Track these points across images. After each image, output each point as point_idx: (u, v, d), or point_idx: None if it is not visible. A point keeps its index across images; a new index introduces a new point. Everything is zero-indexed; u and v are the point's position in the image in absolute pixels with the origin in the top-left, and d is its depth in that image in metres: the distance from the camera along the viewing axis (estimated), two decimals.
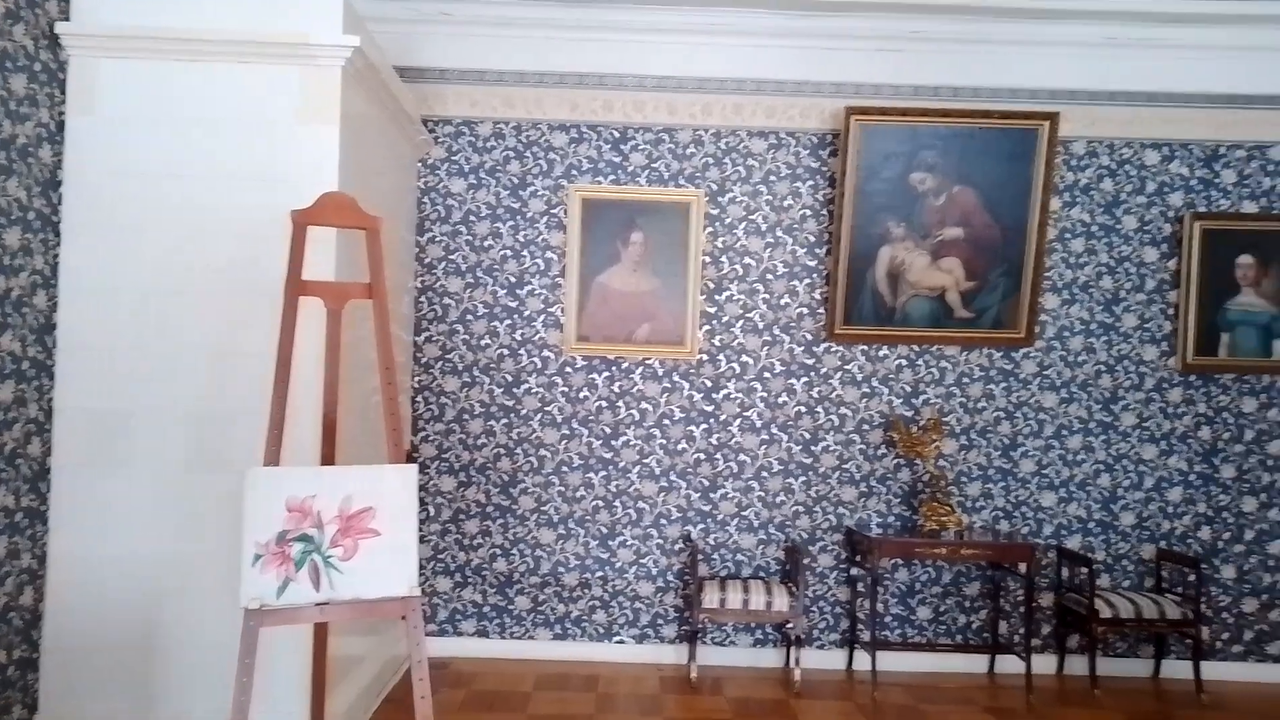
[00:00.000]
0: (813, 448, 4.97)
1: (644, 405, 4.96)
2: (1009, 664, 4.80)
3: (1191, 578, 4.66)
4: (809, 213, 5.00)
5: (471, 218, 4.98)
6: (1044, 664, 4.89)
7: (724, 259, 5.00)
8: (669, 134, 4.98)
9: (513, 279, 4.97)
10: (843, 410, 4.99)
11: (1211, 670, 4.81)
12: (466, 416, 4.93)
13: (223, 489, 3.32)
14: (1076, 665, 4.82)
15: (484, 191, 4.98)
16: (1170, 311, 5.00)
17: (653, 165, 4.98)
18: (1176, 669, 4.82)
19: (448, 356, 4.95)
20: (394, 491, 2.77)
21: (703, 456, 4.96)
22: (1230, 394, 4.99)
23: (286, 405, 2.79)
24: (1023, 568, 4.59)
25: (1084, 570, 4.62)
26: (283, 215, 2.95)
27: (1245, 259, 4.94)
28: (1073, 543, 4.95)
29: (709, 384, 4.97)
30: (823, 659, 4.89)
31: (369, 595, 2.70)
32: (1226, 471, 4.97)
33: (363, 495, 2.73)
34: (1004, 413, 5.00)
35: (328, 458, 2.96)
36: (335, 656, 3.31)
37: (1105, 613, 4.54)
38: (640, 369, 4.97)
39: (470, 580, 4.92)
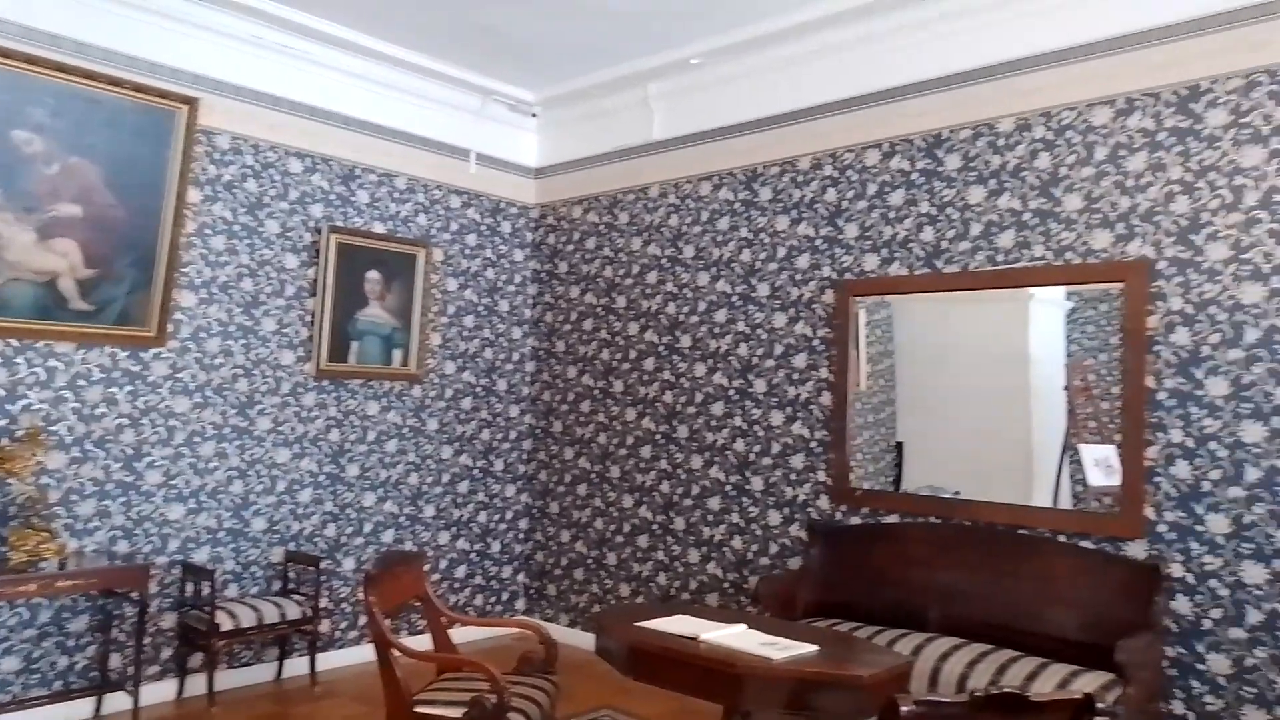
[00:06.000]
0: None
1: None
2: (124, 700, 4.28)
3: (314, 575, 4.85)
4: None
5: None
6: (166, 691, 4.51)
7: None
8: None
9: None
10: None
11: (331, 660, 5.09)
12: None
13: None
14: (201, 685, 4.55)
15: None
16: (308, 318, 5.15)
17: None
18: (300, 666, 4.94)
19: None
20: None
21: None
22: (358, 398, 5.38)
23: None
24: (137, 593, 4.13)
25: (208, 584, 4.40)
26: None
27: (374, 274, 5.40)
28: (201, 555, 4.69)
29: None
30: None
31: None
32: (352, 470, 5.35)
33: None
34: (129, 420, 4.47)
35: None
36: None
37: (227, 625, 4.39)
38: None
39: None
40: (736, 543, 5.03)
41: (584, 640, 5.51)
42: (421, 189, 5.70)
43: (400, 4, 4.71)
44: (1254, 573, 3.44)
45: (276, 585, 4.97)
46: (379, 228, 5.48)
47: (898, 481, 4.62)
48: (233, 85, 4.78)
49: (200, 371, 4.73)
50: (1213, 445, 3.56)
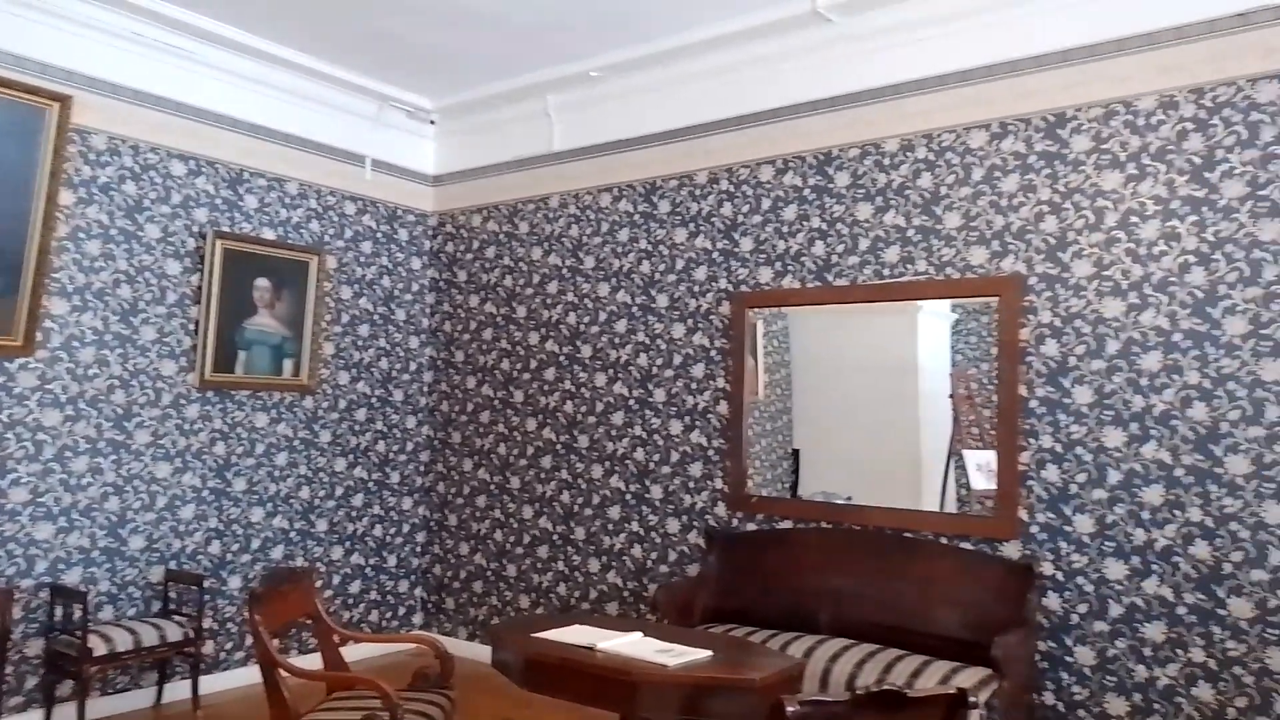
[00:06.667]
0: None
1: None
2: None
3: (196, 595, 4.65)
4: None
5: None
6: None
7: None
8: None
9: None
10: None
11: (216, 682, 4.89)
12: None
13: None
14: (70, 714, 4.29)
15: None
16: (191, 327, 4.94)
17: None
18: (182, 690, 4.71)
19: None
20: None
21: None
22: (245, 409, 5.19)
23: None
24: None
25: (79, 607, 4.16)
26: None
27: (263, 282, 5.22)
28: (72, 576, 4.44)
29: None
30: None
31: None
32: (239, 485, 5.15)
33: None
34: None
35: None
36: None
37: (101, 650, 4.16)
38: None
39: None
40: (636, 551, 5.07)
41: (484, 653, 5.42)
42: (314, 194, 5.55)
43: (293, 6, 4.59)
44: (1115, 569, 3.67)
45: (156, 606, 4.74)
46: (269, 234, 5.30)
47: (795, 488, 4.74)
48: (110, 83, 4.56)
49: (72, 383, 4.48)
50: (1079, 450, 3.79)
